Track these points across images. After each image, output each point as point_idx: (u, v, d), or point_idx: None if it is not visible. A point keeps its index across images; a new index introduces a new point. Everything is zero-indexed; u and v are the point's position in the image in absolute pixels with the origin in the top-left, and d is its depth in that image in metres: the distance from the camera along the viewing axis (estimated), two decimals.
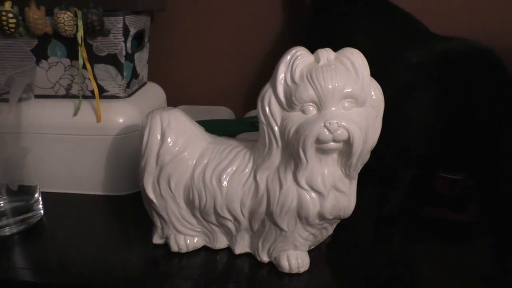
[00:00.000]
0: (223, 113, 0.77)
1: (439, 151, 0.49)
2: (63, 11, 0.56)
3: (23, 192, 0.54)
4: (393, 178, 0.53)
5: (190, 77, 0.82)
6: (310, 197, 0.42)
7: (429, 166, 0.53)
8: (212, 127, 0.58)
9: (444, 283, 0.45)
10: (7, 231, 0.52)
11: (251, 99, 0.79)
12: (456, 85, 0.48)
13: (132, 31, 0.61)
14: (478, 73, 0.48)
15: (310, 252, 0.47)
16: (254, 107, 0.76)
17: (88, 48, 0.59)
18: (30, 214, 0.54)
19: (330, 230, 0.47)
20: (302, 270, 0.45)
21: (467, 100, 0.47)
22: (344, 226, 0.48)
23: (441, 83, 0.48)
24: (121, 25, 0.58)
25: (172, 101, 0.77)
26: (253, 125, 0.67)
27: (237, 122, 0.70)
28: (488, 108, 0.47)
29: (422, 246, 0.52)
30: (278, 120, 0.41)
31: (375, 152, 0.44)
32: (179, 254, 0.48)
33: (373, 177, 0.51)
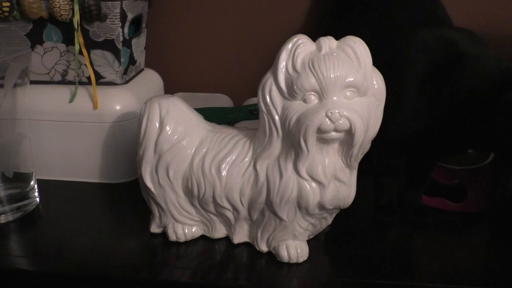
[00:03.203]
0: (222, 100, 0.76)
1: (432, 140, 0.49)
2: None
3: (18, 179, 0.54)
4: (385, 168, 0.53)
5: (188, 63, 0.81)
6: (310, 187, 0.42)
7: (421, 155, 0.53)
8: (211, 115, 0.58)
9: (441, 272, 0.45)
10: (2, 219, 0.52)
11: (250, 86, 0.78)
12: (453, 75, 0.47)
13: (130, 16, 0.60)
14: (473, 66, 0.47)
15: (309, 241, 0.47)
16: (253, 94, 0.75)
17: (85, 33, 0.58)
18: (26, 202, 0.54)
19: (330, 220, 0.47)
20: (301, 260, 0.45)
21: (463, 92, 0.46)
22: (342, 215, 0.47)
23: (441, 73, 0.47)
24: (118, 10, 0.57)
25: (170, 88, 0.76)
26: (252, 113, 0.66)
27: (236, 110, 0.69)
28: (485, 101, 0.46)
29: (420, 235, 0.52)
30: (279, 109, 0.41)
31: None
32: (177, 243, 0.48)
33: (369, 166, 0.51)
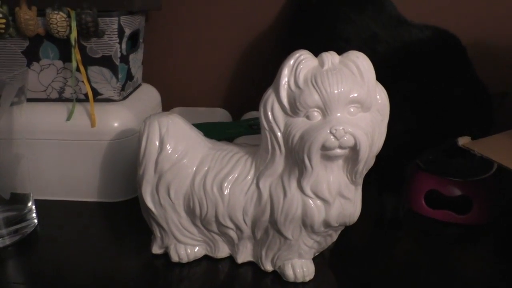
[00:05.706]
0: (220, 114, 0.76)
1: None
2: (55, 12, 0.54)
3: (16, 201, 0.52)
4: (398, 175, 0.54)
5: (186, 78, 0.80)
6: (315, 204, 0.41)
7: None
8: (210, 130, 0.57)
9: (447, 286, 0.44)
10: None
11: (249, 100, 0.77)
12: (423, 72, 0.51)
13: (127, 31, 0.59)
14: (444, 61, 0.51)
15: (314, 259, 0.46)
16: (252, 108, 0.75)
17: (82, 49, 0.57)
18: (23, 224, 0.52)
19: (335, 236, 0.46)
20: (307, 279, 0.44)
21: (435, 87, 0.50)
22: (346, 230, 0.47)
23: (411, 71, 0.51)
24: (116, 26, 0.56)
25: (168, 103, 0.75)
26: (252, 128, 0.66)
27: (235, 125, 0.68)
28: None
29: (426, 249, 0.51)
30: (282, 126, 0.40)
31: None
32: (180, 264, 0.47)
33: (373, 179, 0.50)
